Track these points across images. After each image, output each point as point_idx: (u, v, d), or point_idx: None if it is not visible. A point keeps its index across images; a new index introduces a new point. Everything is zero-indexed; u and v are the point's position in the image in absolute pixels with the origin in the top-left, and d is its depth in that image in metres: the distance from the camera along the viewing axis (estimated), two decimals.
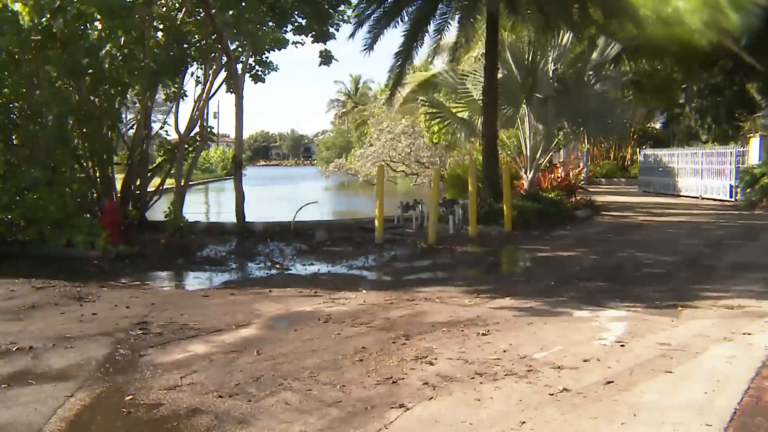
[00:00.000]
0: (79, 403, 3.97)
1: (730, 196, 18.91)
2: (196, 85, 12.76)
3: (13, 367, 4.63)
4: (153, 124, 12.84)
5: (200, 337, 5.50)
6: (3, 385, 4.24)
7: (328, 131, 77.46)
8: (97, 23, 10.46)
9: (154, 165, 13.13)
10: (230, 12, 11.16)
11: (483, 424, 3.63)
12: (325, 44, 12.66)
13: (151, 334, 5.58)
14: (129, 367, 4.71)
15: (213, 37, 11.85)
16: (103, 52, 10.66)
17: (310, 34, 12.39)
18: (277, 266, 9.13)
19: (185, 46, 11.75)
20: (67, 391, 4.14)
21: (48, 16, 9.69)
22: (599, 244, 11.11)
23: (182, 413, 3.81)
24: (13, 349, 5.04)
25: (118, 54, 10.60)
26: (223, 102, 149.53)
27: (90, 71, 10.19)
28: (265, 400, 4.00)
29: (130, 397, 4.06)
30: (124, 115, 12.52)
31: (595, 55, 15.93)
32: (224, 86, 12.77)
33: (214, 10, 11.03)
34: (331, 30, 12.47)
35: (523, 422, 3.62)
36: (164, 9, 11.83)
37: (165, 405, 3.92)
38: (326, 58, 12.73)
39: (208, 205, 23.82)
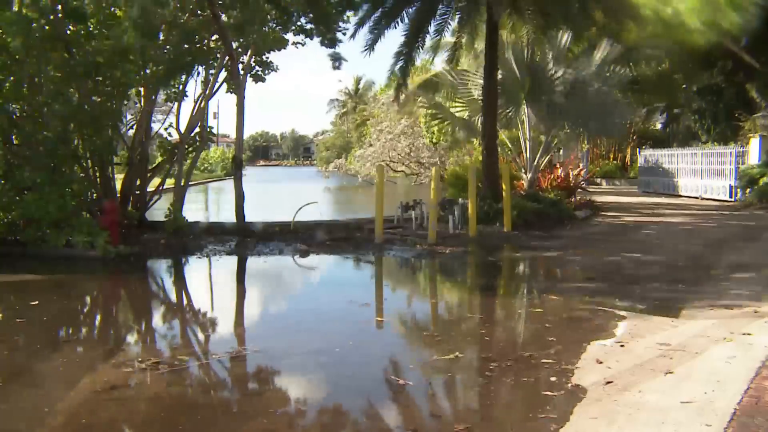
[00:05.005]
0: None
1: (730, 197, 18.89)
2: (197, 85, 12.78)
3: None
4: (153, 124, 12.85)
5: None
6: None
7: (328, 131, 77.30)
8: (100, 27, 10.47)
9: (154, 165, 13.12)
10: (236, 13, 11.16)
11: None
12: (333, 48, 12.73)
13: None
14: None
15: (215, 37, 11.85)
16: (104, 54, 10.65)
17: (318, 39, 12.46)
18: None
19: (187, 47, 11.73)
20: None
21: (52, 18, 9.68)
22: (599, 244, 11.10)
23: None
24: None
25: (118, 59, 10.57)
26: (223, 102, 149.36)
27: (92, 72, 10.18)
28: None
29: None
30: (124, 115, 12.50)
31: (595, 55, 15.91)
32: (224, 86, 12.77)
33: (222, 14, 11.02)
34: (338, 35, 12.56)
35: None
36: (167, 10, 11.81)
37: None
38: (336, 61, 12.84)
39: (207, 206, 23.82)
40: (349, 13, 13.38)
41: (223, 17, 11.52)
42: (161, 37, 11.61)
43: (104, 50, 10.10)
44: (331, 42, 12.36)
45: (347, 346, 5.15)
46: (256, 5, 11.07)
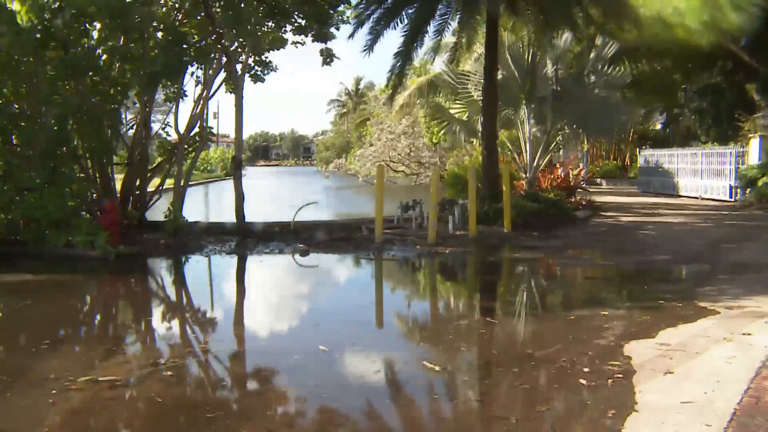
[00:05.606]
0: None
1: (730, 197, 18.89)
2: (196, 85, 12.75)
3: None
4: (153, 124, 12.83)
5: None
6: None
7: (328, 131, 77.32)
8: (96, 24, 10.45)
9: (153, 165, 13.12)
10: (230, 12, 11.13)
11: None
12: (325, 44, 12.66)
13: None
14: None
15: (212, 37, 11.84)
16: (104, 56, 10.65)
17: (310, 34, 12.36)
18: None
19: (185, 46, 11.72)
20: None
21: (48, 16, 9.68)
22: (598, 244, 11.11)
23: None
24: None
25: (117, 55, 10.58)
26: (223, 102, 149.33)
27: (90, 72, 10.17)
28: None
29: None
30: (124, 115, 12.50)
31: (594, 55, 15.93)
32: (224, 86, 12.77)
33: (215, 13, 11.00)
34: (331, 30, 12.45)
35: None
36: (163, 9, 11.81)
37: None
38: (327, 57, 12.72)
39: (207, 205, 23.82)
40: (348, 14, 13.36)
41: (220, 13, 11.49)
42: (159, 37, 11.63)
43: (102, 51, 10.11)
44: (321, 36, 12.29)
45: (348, 345, 5.14)
46: (249, 4, 11.06)
